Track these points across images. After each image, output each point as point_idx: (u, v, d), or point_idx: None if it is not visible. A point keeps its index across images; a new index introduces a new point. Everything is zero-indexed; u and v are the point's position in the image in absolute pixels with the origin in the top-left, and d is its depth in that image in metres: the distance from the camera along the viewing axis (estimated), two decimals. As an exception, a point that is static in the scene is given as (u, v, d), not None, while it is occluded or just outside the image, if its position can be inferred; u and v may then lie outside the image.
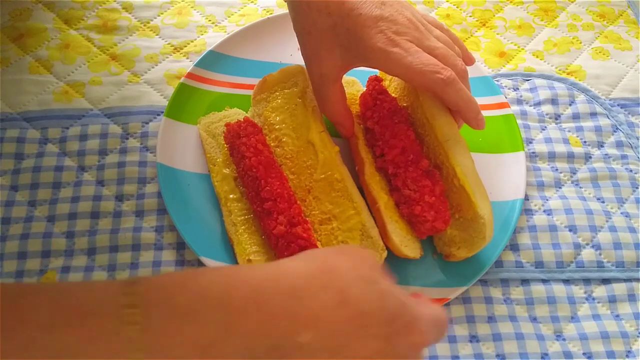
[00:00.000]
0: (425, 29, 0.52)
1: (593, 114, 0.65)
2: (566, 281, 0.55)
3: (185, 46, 0.68)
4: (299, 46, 0.54)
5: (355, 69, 0.54)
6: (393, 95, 0.57)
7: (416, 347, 0.37)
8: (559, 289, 0.54)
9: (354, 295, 0.35)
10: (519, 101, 0.66)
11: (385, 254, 0.51)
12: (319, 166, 0.53)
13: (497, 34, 0.71)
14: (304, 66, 0.56)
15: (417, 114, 0.55)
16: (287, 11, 0.53)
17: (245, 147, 0.53)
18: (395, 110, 0.55)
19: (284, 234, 0.49)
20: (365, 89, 0.58)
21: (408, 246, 0.52)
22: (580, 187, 0.60)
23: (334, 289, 0.35)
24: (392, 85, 0.59)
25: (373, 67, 0.53)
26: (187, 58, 0.67)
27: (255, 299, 0.33)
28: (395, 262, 0.53)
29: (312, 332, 0.33)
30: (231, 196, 0.54)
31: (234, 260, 0.53)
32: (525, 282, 0.55)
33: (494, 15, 0.73)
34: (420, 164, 0.52)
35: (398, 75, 0.52)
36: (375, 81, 0.57)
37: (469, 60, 0.57)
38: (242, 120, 0.56)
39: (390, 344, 0.35)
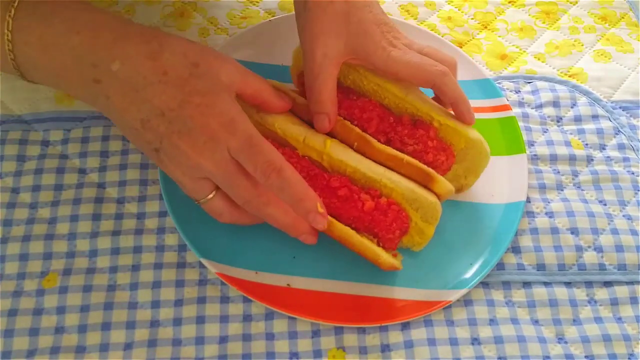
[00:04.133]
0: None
1: (595, 117, 0.65)
2: (568, 284, 0.55)
3: (187, 48, 0.68)
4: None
5: None
6: None
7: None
8: (560, 292, 0.54)
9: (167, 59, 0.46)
10: (521, 104, 0.66)
11: (438, 203, 0.52)
12: (331, 171, 0.52)
13: (499, 36, 0.71)
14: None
15: (364, 85, 0.56)
16: (289, 14, 0.53)
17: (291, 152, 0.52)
18: (344, 90, 0.56)
19: (376, 206, 0.51)
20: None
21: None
22: (582, 190, 0.60)
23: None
24: None
25: (370, 63, 0.54)
26: (189, 60, 0.67)
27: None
28: (396, 264, 0.53)
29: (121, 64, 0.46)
30: None
31: (235, 262, 0.53)
32: (527, 284, 0.55)
33: (496, 18, 0.73)
34: (403, 120, 0.54)
35: (396, 73, 0.53)
36: (303, 77, 0.56)
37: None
38: None
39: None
